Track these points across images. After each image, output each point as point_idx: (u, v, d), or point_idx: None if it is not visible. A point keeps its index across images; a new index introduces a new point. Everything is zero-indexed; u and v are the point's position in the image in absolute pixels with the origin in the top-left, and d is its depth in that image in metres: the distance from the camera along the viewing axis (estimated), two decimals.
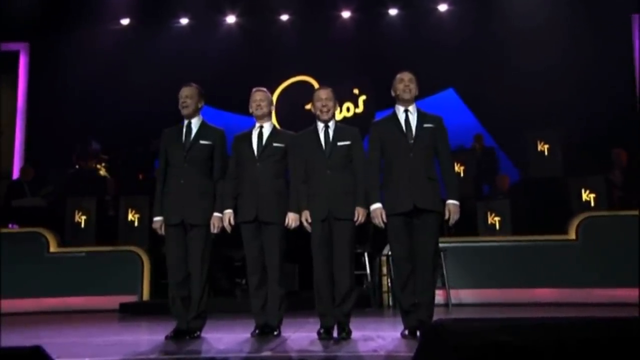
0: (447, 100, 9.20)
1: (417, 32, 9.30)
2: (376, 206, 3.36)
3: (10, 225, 7.31)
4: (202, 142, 3.67)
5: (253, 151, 3.62)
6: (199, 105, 3.77)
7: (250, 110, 3.76)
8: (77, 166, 7.91)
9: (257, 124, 3.74)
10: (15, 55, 9.58)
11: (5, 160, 9.11)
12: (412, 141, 3.37)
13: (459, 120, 9.01)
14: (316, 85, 9.58)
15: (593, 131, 7.48)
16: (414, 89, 3.48)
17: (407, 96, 3.45)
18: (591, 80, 8.07)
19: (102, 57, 9.12)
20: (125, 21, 9.67)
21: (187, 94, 3.73)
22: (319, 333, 3.41)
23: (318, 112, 3.57)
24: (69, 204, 6.67)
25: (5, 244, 6.12)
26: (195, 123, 3.73)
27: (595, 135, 7.40)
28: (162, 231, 3.65)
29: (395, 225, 3.36)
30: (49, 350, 1.52)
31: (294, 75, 9.54)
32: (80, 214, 6.59)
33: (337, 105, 3.68)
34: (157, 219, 3.66)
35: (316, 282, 3.46)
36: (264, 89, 3.83)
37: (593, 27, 8.18)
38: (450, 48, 8.91)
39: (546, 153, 6.90)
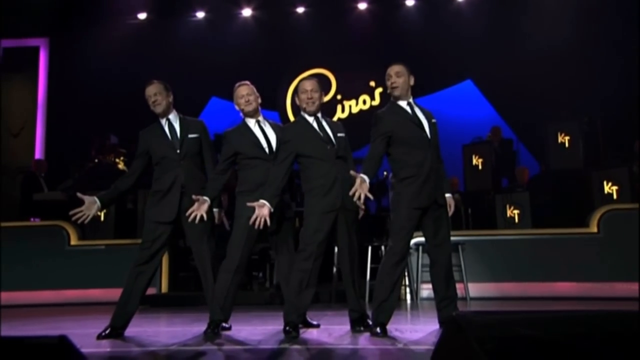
0: (465, 91, 9.10)
1: (434, 24, 9.20)
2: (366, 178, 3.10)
3: (32, 219, 7.44)
4: (190, 136, 3.55)
5: (264, 151, 3.45)
6: (170, 100, 3.60)
7: (238, 108, 3.56)
8: (96, 160, 8.01)
9: (252, 120, 3.54)
10: (35, 51, 9.73)
11: (26, 155, 9.27)
12: (429, 136, 3.29)
13: (477, 112, 8.93)
14: (332, 78, 9.55)
15: (615, 122, 7.33)
16: (402, 83, 3.33)
17: (396, 92, 3.34)
18: (613, 70, 7.89)
19: (120, 52, 9.22)
20: (142, 15, 9.74)
21: (155, 92, 3.56)
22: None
23: (304, 105, 3.39)
24: None
25: (27, 237, 6.25)
26: (174, 119, 3.59)
27: (617, 127, 7.25)
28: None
29: (412, 218, 3.23)
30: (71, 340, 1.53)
31: (310, 68, 9.51)
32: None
33: (323, 96, 3.50)
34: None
35: (304, 271, 3.23)
36: (248, 82, 3.61)
37: (616, 12, 7.99)
38: (468, 39, 8.79)
39: (567, 145, 6.79)
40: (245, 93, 3.54)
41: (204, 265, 3.47)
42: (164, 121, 3.58)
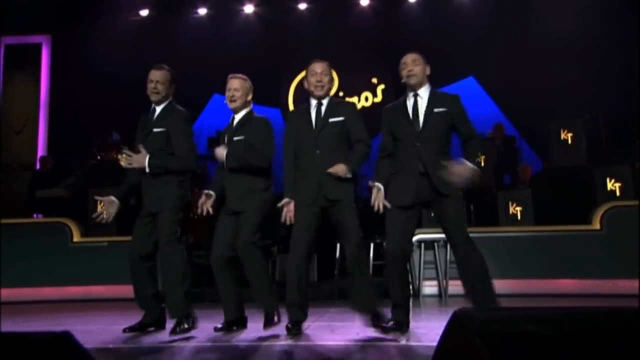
0: (468, 88, 9.07)
1: (437, 20, 9.17)
2: (377, 185, 3.02)
3: (35, 215, 7.47)
4: (156, 130, 3.35)
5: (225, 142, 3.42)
6: (170, 91, 3.41)
7: (225, 101, 3.45)
8: (98, 157, 8.03)
9: (233, 115, 3.46)
10: (37, 48, 9.74)
11: (28, 152, 9.30)
12: (419, 129, 3.08)
13: (479, 109, 8.89)
14: (334, 75, 9.52)
15: (618, 119, 7.31)
16: (419, 72, 3.15)
17: (412, 81, 3.14)
18: (616, 67, 7.87)
19: (122, 48, 9.22)
20: (144, 12, 9.74)
21: (158, 79, 3.36)
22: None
23: (312, 88, 3.25)
24: (91, 195, 6.77)
25: (30, 234, 6.27)
26: (158, 109, 3.41)
27: (620, 123, 7.24)
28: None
29: (396, 216, 3.06)
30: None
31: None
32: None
33: (334, 80, 3.35)
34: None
35: (291, 270, 3.17)
36: (240, 75, 3.45)
37: (618, 9, 7.96)
38: (470, 35, 8.77)
39: (569, 142, 6.77)
40: (233, 87, 3.40)
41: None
42: (152, 109, 3.43)
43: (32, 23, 9.31)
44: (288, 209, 3.20)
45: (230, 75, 3.46)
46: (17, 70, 9.64)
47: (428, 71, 3.23)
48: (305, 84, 3.33)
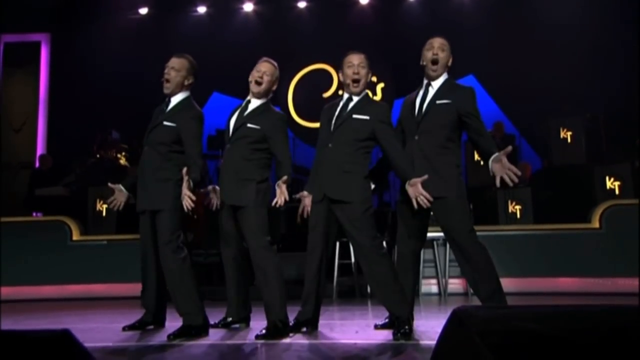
0: None
1: (437, 18, 9.16)
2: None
3: (34, 214, 7.46)
4: (165, 123, 3.16)
5: (229, 131, 3.23)
6: (186, 82, 3.24)
7: (250, 79, 3.24)
8: (97, 155, 8.03)
9: (249, 98, 3.25)
10: (36, 46, 9.72)
11: (27, 150, 9.29)
12: (418, 121, 2.95)
13: (479, 107, 8.90)
14: (334, 73, 9.52)
15: (618, 118, 7.31)
16: (444, 58, 2.98)
17: (432, 73, 2.97)
18: (616, 65, 7.87)
19: (121, 47, 9.22)
20: (143, 10, 9.73)
21: (173, 66, 3.21)
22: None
23: (348, 81, 3.03)
24: (91, 193, 6.77)
25: (30, 232, 6.27)
26: (173, 101, 3.23)
27: (620, 122, 7.24)
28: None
29: (399, 211, 3.07)
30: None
31: (312, 64, 9.49)
32: (101, 202, 6.68)
33: (370, 74, 3.12)
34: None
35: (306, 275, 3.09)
36: (272, 61, 3.27)
37: (618, 8, 7.96)
38: (470, 33, 8.75)
39: (569, 140, 6.78)
40: (263, 70, 3.20)
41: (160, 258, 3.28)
42: (166, 101, 3.28)
43: (32, 21, 9.30)
44: (304, 203, 3.13)
45: (263, 58, 3.28)
46: (17, 68, 9.63)
47: (450, 62, 3.06)
48: (341, 77, 3.13)
